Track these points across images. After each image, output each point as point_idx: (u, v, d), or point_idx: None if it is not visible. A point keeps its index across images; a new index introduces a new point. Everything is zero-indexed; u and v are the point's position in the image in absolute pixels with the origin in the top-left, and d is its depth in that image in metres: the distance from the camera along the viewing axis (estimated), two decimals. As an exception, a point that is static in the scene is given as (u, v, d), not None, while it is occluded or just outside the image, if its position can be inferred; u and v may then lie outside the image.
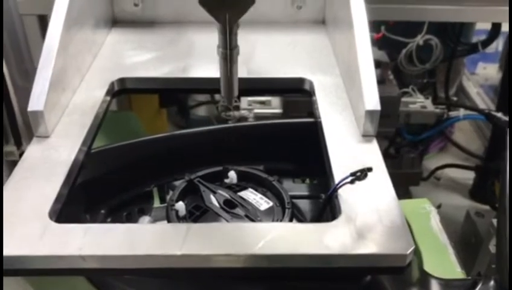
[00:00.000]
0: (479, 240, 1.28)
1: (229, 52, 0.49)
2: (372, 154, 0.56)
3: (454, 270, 0.64)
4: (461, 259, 0.73)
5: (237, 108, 1.23)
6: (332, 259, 0.45)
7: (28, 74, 1.15)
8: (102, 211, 0.63)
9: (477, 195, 1.54)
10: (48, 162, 0.55)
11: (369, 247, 0.45)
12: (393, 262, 0.45)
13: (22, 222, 0.47)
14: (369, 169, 0.46)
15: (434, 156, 1.69)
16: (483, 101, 1.87)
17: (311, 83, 0.70)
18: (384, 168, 0.54)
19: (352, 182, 0.48)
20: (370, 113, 0.58)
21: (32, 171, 0.54)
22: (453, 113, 1.41)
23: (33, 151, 0.57)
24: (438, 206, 1.53)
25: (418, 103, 1.33)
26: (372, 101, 0.58)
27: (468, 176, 1.57)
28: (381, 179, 0.52)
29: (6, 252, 0.44)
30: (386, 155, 1.46)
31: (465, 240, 1.40)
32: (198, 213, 0.59)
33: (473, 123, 1.86)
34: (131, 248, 0.45)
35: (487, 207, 1.45)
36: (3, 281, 0.48)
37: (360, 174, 0.46)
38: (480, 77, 2.22)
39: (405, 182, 1.44)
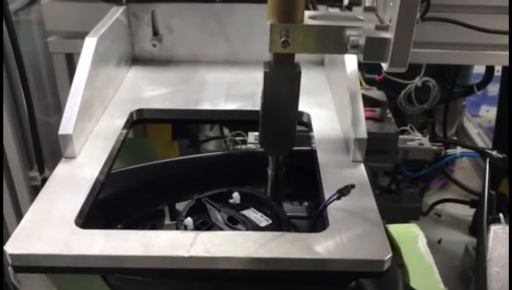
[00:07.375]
0: (477, 274, 1.31)
1: (275, 173, 0.70)
2: (359, 177, 0.63)
3: (439, 288, 0.69)
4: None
5: (244, 142, 1.31)
6: (320, 263, 0.51)
7: (48, 108, 1.25)
8: (119, 226, 0.70)
9: (476, 231, 1.57)
10: (74, 179, 0.63)
11: (352, 253, 0.51)
12: (374, 267, 0.51)
13: (51, 227, 0.54)
14: (352, 186, 0.53)
15: (435, 193, 1.74)
16: (483, 141, 1.93)
17: (308, 116, 0.78)
18: (369, 188, 0.61)
19: (338, 197, 0.55)
20: (358, 141, 0.66)
21: (61, 186, 0.62)
22: (451, 151, 1.46)
23: (62, 169, 0.65)
24: (438, 241, 1.58)
25: (416, 140, 1.38)
26: (359, 130, 0.66)
27: (468, 213, 1.61)
28: (365, 198, 0.59)
29: (36, 251, 0.51)
30: (387, 191, 1.52)
31: (464, 275, 1.43)
32: (205, 228, 0.66)
33: (473, 161, 1.91)
34: (146, 249, 0.52)
35: (485, 243, 1.48)
36: (30, 276, 0.55)
37: (344, 190, 0.53)
38: (483, 119, 2.29)
39: (405, 217, 1.49)
